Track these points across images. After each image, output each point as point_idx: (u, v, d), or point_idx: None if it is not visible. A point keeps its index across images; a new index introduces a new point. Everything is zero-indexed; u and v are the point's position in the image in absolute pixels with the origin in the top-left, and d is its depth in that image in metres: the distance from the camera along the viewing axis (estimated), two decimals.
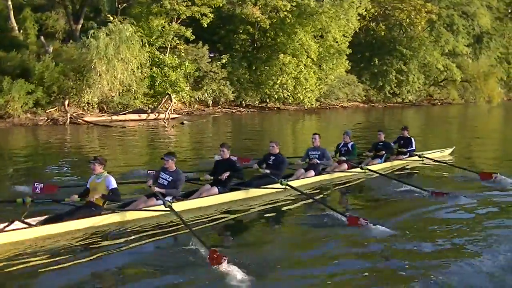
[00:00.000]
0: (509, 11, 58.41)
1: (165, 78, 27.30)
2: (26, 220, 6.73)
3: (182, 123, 23.56)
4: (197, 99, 30.09)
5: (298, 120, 30.43)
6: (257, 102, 32.85)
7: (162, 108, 25.46)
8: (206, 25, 29.28)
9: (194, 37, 28.77)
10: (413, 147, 12.50)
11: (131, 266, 5.85)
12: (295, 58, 31.52)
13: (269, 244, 6.64)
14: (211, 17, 29.10)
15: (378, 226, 6.88)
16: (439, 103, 52.19)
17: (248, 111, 32.27)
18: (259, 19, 30.28)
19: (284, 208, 8.46)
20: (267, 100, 33.32)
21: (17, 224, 6.64)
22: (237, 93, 31.84)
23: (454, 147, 14.38)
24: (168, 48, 28.88)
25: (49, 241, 6.43)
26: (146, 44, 26.93)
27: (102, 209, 7.17)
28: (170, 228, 7.04)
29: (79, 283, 5.31)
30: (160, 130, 22.28)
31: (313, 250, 6.44)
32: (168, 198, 7.60)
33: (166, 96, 25.44)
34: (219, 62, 30.59)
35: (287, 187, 8.80)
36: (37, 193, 8.00)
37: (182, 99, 28.72)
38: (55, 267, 5.60)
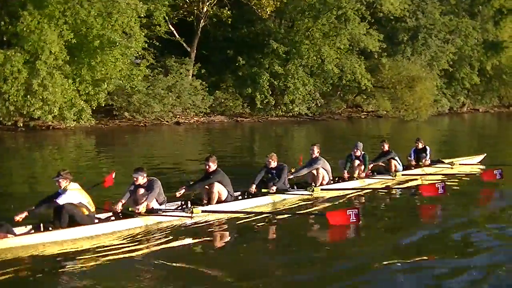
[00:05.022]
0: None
1: None
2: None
3: None
4: None
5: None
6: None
7: None
8: None
9: None
10: (428, 157, 12.59)
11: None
12: (21, 55, 21.57)
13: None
14: None
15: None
16: (363, 116, 40.65)
17: None
18: None
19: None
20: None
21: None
22: None
23: (485, 154, 14.12)
24: None
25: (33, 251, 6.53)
26: None
27: (93, 217, 7.45)
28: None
29: None
30: None
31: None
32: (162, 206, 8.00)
33: None
34: None
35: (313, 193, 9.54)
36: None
37: None
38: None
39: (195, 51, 31.75)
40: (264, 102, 32.50)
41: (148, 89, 27.82)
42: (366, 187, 10.82)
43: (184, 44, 31.26)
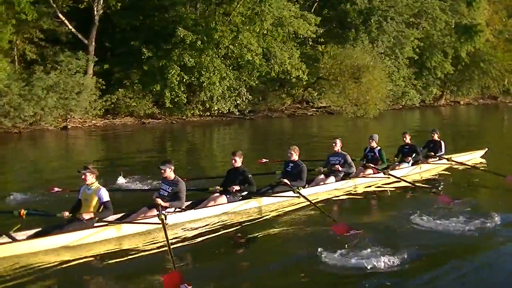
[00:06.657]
0: None
1: None
2: (13, 234, 6.34)
3: None
4: None
5: None
6: None
7: None
8: None
9: None
10: (443, 151, 12.26)
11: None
12: None
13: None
14: None
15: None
16: (311, 113, 36.01)
17: None
18: None
19: (295, 217, 8.25)
20: None
21: (3, 238, 6.30)
22: None
23: (486, 149, 13.78)
24: None
25: (35, 257, 6.16)
26: None
27: (94, 222, 6.78)
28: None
29: None
30: None
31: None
32: (170, 210, 7.34)
33: None
34: None
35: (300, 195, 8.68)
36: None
37: None
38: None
39: (93, 44, 27.65)
40: (175, 100, 28.19)
41: (22, 89, 23.81)
42: (359, 185, 10.34)
43: (79, 35, 27.18)
